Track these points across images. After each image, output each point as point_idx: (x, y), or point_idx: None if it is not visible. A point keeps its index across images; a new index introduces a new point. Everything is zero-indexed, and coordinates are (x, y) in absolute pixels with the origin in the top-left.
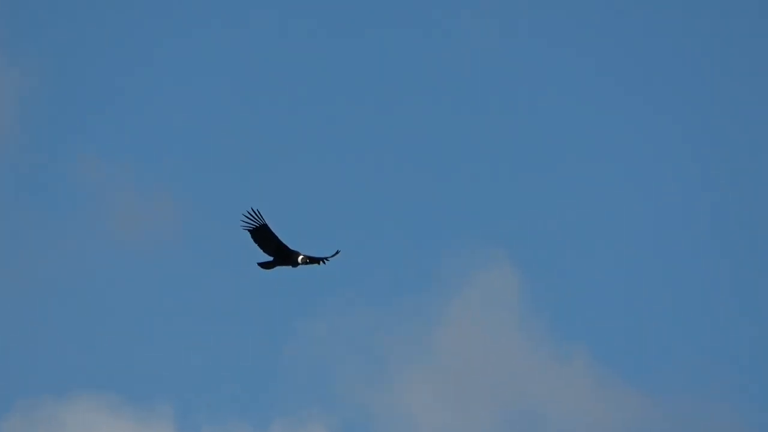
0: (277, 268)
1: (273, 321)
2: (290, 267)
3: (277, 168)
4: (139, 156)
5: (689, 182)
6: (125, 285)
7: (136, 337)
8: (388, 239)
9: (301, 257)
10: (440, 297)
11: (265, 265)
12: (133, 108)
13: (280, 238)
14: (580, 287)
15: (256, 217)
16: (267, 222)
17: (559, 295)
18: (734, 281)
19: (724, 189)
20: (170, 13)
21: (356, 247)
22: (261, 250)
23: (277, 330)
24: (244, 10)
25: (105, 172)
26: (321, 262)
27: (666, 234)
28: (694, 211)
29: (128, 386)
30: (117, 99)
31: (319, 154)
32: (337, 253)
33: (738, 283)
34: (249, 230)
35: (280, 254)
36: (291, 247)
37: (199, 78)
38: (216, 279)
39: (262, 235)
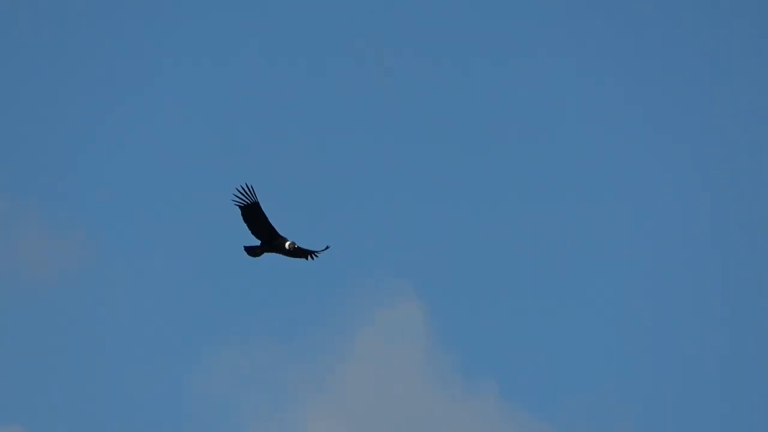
0: (265, 255)
1: (177, 351)
2: (277, 254)
3: (181, 206)
4: (50, 193)
5: (611, 213)
6: (29, 322)
7: (42, 373)
8: (294, 271)
9: (288, 243)
10: (346, 330)
11: (251, 252)
12: (46, 143)
13: (270, 221)
14: (489, 321)
15: (249, 193)
16: (259, 201)
17: (467, 329)
18: (641, 310)
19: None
20: (92, 40)
21: (261, 279)
22: (250, 232)
23: (181, 361)
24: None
25: (12, 209)
26: (309, 256)
27: (571, 265)
28: (601, 240)
29: (34, 420)
30: (28, 133)
31: (222, 195)
32: (326, 248)
33: (643, 314)
34: (240, 206)
35: (268, 238)
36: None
37: (115, 107)
38: (121, 312)
39: (253, 213)
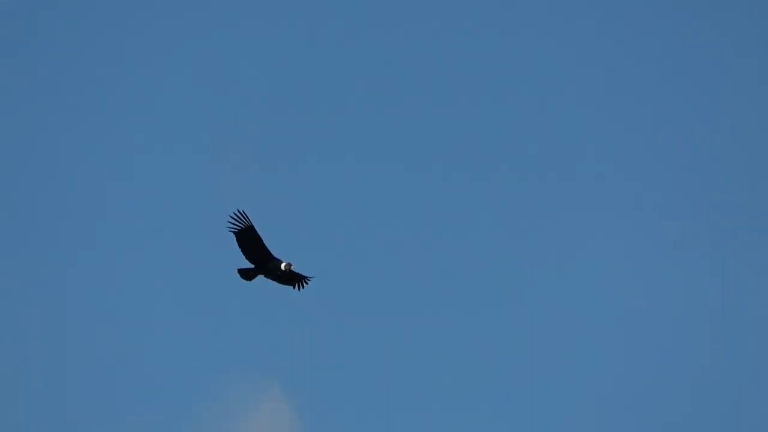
0: (259, 277)
1: None
2: (271, 278)
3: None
4: None
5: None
6: None
7: None
8: (159, 369)
9: (284, 264)
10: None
11: (245, 275)
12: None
13: (265, 243)
14: (353, 420)
15: (242, 218)
16: (253, 224)
17: (333, 427)
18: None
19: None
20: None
21: (127, 377)
22: (243, 256)
23: None
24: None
25: None
26: (299, 285)
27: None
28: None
29: None
30: None
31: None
32: (314, 277)
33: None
34: (234, 232)
35: (262, 260)
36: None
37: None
38: None
39: (247, 237)
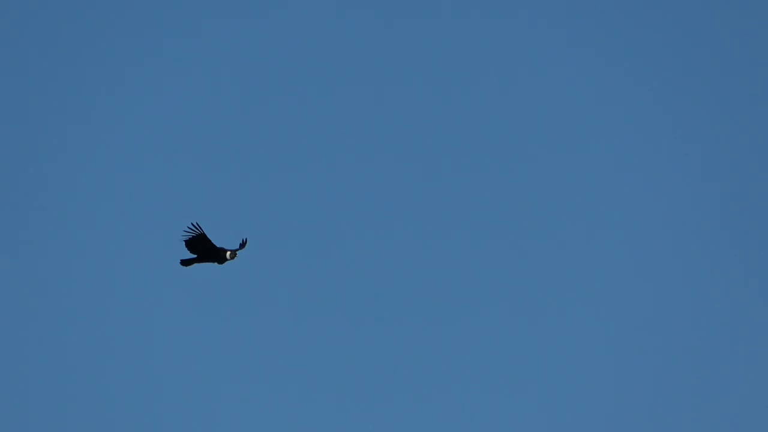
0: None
1: None
2: (216, 263)
3: None
4: None
5: None
6: None
7: None
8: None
9: (229, 253)
10: None
11: (187, 263)
12: None
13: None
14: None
15: (195, 229)
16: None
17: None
18: None
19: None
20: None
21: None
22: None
23: None
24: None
25: None
26: (231, 254)
27: None
28: None
29: None
30: None
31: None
32: (245, 242)
33: None
34: (186, 240)
35: (208, 252)
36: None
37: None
38: None
39: (197, 242)
